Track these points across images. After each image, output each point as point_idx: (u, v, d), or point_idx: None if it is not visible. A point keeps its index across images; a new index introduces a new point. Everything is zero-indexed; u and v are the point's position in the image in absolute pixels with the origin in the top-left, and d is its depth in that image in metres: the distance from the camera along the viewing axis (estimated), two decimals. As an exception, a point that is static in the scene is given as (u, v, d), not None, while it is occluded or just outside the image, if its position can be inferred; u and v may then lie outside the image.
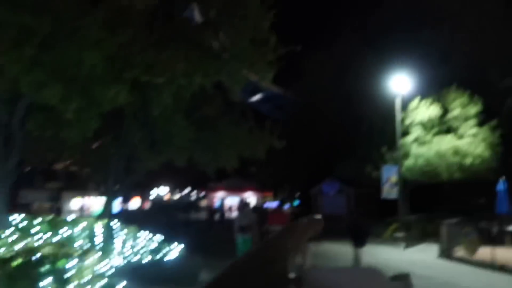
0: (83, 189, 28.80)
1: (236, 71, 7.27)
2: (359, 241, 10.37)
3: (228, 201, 52.14)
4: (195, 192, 56.92)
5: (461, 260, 12.47)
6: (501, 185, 15.75)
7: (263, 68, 7.54)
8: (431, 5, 26.40)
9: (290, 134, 37.05)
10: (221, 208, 34.32)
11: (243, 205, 10.36)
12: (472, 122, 18.71)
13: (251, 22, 6.94)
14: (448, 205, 22.76)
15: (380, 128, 20.59)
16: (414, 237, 17.16)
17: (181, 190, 56.24)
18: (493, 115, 19.66)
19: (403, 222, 17.27)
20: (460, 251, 13.09)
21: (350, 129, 22.76)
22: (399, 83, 18.43)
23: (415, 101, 19.63)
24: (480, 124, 18.89)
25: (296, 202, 50.62)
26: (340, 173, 23.18)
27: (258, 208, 18.89)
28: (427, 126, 19.18)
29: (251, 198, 56.26)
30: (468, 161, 17.36)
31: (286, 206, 51.42)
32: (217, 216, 25.55)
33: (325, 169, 27.40)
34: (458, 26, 24.80)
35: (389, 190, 18.26)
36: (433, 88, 20.64)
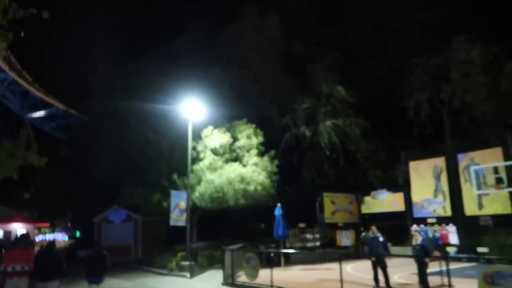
0: None
1: None
2: (93, 277, 9.09)
3: (-12, 234, 41.64)
4: None
5: (243, 285, 12.45)
6: (278, 211, 17.07)
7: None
8: (222, 45, 28.29)
9: (75, 156, 32.70)
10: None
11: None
12: (254, 152, 20.08)
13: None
14: (234, 231, 23.69)
15: (170, 154, 19.94)
16: (201, 265, 16.73)
17: None
18: (273, 147, 21.76)
19: (190, 250, 16.62)
20: (242, 276, 13.15)
21: (139, 153, 21.30)
22: (192, 109, 18.22)
23: (208, 129, 19.88)
24: (261, 154, 20.47)
25: (78, 233, 44.89)
26: (128, 200, 21.20)
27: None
28: (218, 152, 19.56)
29: (21, 230, 47.05)
30: (251, 187, 18.31)
31: (64, 238, 44.76)
32: None
33: (112, 196, 24.89)
34: (245, 67, 27.23)
35: (178, 217, 17.46)
36: (225, 119, 21.52)
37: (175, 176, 19.18)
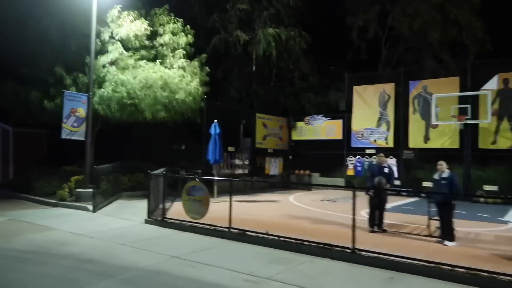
0: None
1: None
2: None
3: None
4: None
5: (182, 225, 8.79)
6: (214, 129, 13.37)
7: None
8: None
9: None
10: None
11: None
12: (181, 53, 15.42)
13: None
14: (141, 151, 19.37)
15: (60, 41, 14.10)
16: (105, 194, 12.40)
17: None
18: (198, 52, 17.25)
19: (91, 173, 12.10)
20: (177, 212, 9.44)
21: (7, 35, 14.71)
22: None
23: (116, 11, 14.37)
24: (189, 58, 15.90)
25: None
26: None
27: None
28: (131, 46, 14.45)
29: None
30: (180, 96, 13.95)
31: None
32: None
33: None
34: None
35: (74, 128, 12.51)
36: (140, 3, 16.05)
37: (61, 70, 13.62)
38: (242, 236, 7.68)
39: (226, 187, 15.38)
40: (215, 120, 13.53)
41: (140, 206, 11.55)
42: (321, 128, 19.72)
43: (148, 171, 10.01)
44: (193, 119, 15.76)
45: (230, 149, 16.93)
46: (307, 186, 18.33)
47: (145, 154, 18.76)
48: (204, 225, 8.41)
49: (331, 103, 21.69)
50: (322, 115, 19.80)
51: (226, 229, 7.99)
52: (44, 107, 13.57)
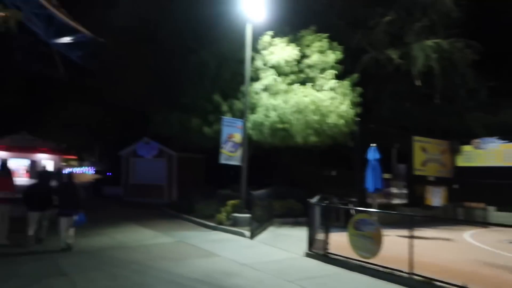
0: None
1: None
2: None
3: (13, 163, 38.57)
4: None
5: (348, 263, 7.84)
6: (372, 154, 12.16)
7: None
8: None
9: (99, 83, 28.33)
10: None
11: None
12: (331, 73, 14.75)
13: None
14: (286, 176, 19.19)
15: (216, 71, 14.98)
16: (259, 220, 12.25)
17: None
18: (346, 74, 16.37)
19: (247, 198, 12.11)
20: (338, 245, 8.51)
21: (174, 70, 16.31)
22: (251, 5, 12.94)
23: (267, 37, 14.61)
24: (338, 78, 15.13)
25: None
26: (162, 127, 16.64)
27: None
28: (283, 71, 14.42)
29: (47, 161, 44.56)
30: (332, 120, 13.25)
31: (90, 171, 41.76)
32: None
33: (142, 126, 20.56)
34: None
35: (231, 153, 12.83)
36: (288, 28, 16.11)
37: (217, 97, 14.32)
38: (428, 285, 6.32)
39: (381, 219, 13.87)
40: (374, 145, 12.34)
41: (294, 235, 11.03)
42: (495, 153, 16.62)
43: (308, 199, 9.40)
44: (343, 143, 14.85)
45: (387, 176, 15.37)
46: (485, 223, 15.33)
47: (292, 180, 18.52)
48: (376, 267, 7.28)
49: (504, 123, 18.26)
50: (496, 137, 16.72)
51: (406, 275, 6.73)
52: (204, 133, 14.40)
